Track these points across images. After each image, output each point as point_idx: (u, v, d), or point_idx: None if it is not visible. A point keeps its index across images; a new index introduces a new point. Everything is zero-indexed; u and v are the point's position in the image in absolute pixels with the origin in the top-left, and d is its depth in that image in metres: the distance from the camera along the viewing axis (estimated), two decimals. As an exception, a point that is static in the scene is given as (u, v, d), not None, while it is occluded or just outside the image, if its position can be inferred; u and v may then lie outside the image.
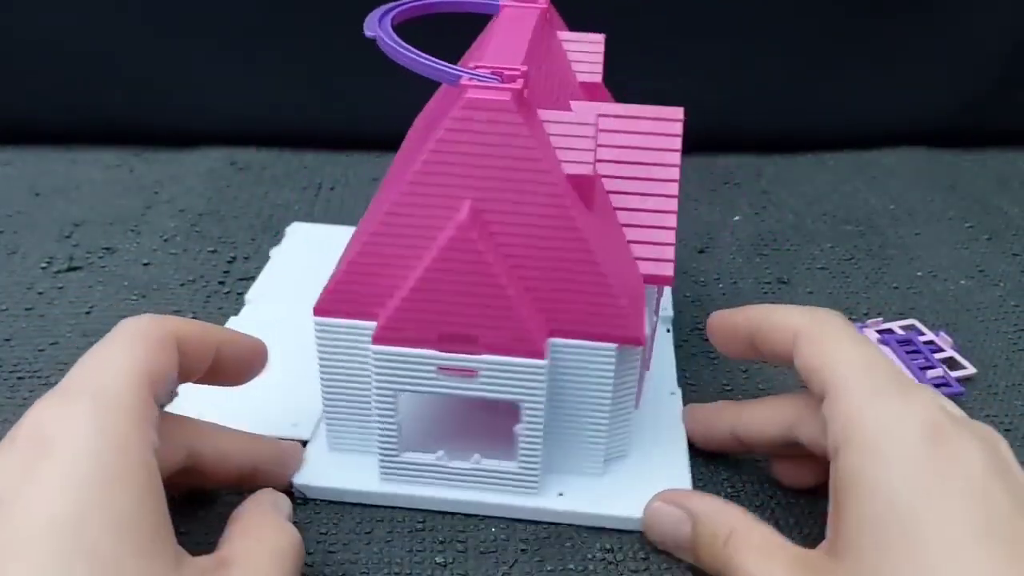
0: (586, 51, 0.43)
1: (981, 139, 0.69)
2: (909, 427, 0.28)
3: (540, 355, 0.32)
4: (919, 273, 0.53)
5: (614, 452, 0.37)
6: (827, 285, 0.52)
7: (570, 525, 0.35)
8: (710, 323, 0.37)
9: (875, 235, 0.57)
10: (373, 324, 0.33)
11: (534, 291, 0.32)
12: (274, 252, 0.51)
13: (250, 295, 0.47)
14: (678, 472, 0.37)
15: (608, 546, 0.35)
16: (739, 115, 0.67)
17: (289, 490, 0.36)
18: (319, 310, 0.33)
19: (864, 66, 0.66)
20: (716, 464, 0.38)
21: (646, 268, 0.35)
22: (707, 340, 0.46)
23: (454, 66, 0.32)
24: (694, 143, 0.65)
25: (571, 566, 0.34)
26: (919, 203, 0.61)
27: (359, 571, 0.33)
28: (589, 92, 0.42)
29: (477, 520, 0.36)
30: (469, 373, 0.33)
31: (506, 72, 0.31)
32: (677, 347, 0.45)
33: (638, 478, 0.36)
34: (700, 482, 0.37)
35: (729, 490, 0.37)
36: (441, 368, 0.33)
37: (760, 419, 0.35)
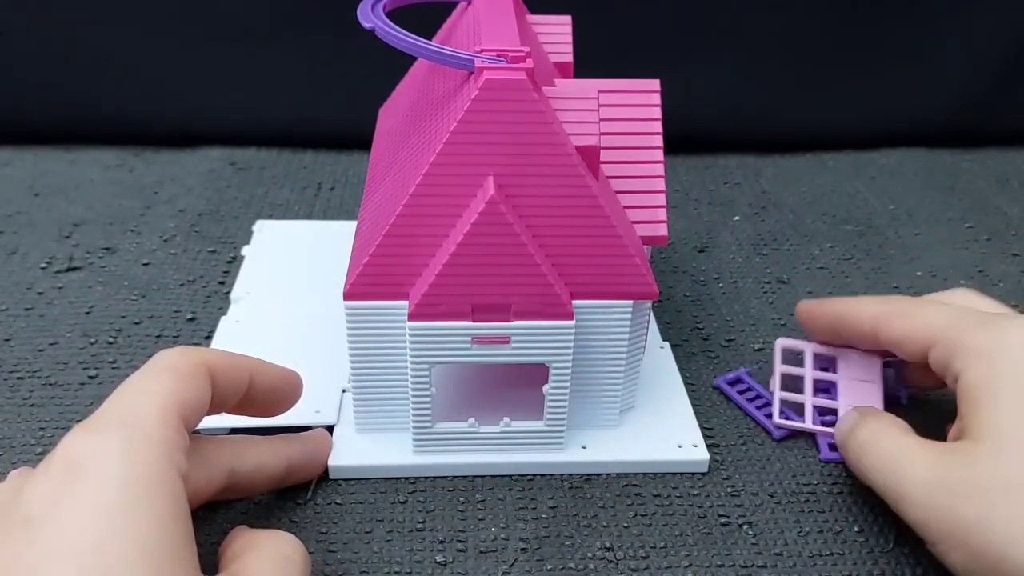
0: (555, 32, 0.46)
1: (981, 139, 0.69)
2: (1018, 340, 0.33)
3: (570, 316, 0.34)
4: (919, 273, 0.53)
5: (626, 403, 0.40)
6: (827, 285, 0.52)
7: (569, 524, 0.35)
8: (799, 311, 0.43)
9: (875, 235, 0.57)
10: (403, 303, 0.34)
11: (555, 257, 0.34)
12: (246, 250, 0.51)
13: (235, 294, 0.48)
14: (684, 415, 0.40)
15: (608, 544, 0.35)
16: (739, 115, 0.67)
17: (325, 475, 0.37)
18: (349, 295, 0.35)
19: (864, 66, 0.66)
20: (714, 468, 0.39)
21: (643, 230, 0.37)
22: (707, 340, 0.47)
23: (463, 51, 0.33)
24: (694, 143, 0.66)
25: (571, 565, 0.34)
26: (919, 203, 0.61)
27: (359, 571, 0.33)
28: (562, 71, 0.44)
29: (477, 520, 0.36)
30: (503, 340, 0.34)
31: (511, 54, 0.33)
32: (676, 346, 0.45)
33: (651, 425, 0.40)
34: (700, 481, 0.38)
35: (729, 489, 0.37)
36: (476, 338, 0.35)
37: (849, 313, 0.40)
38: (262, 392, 0.33)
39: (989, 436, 0.31)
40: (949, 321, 0.35)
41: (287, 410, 0.35)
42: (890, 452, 0.34)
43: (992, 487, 0.30)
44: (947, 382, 0.35)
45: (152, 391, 0.29)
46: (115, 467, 0.26)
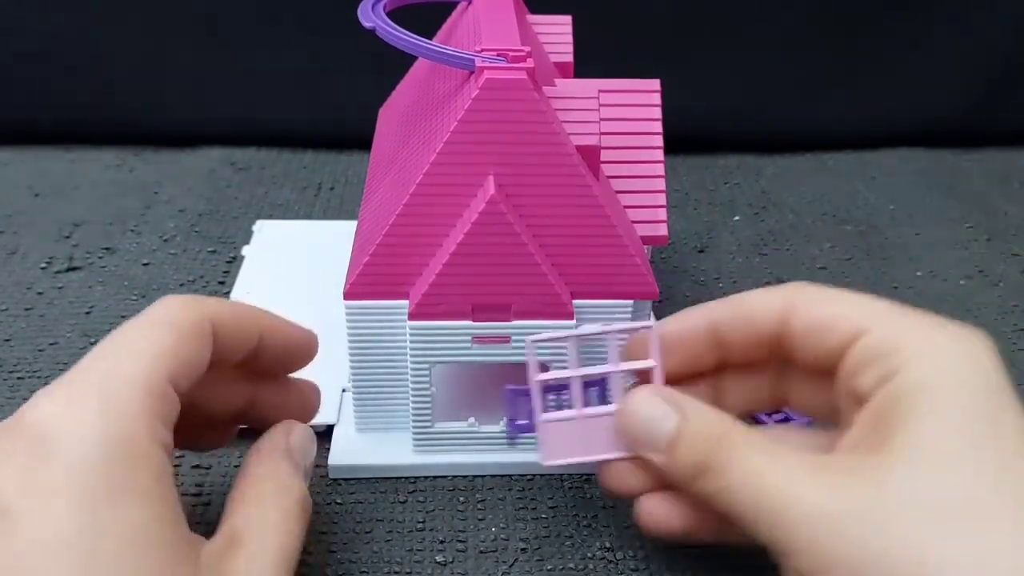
0: (555, 32, 0.46)
1: (981, 139, 0.69)
2: (982, 358, 0.27)
3: (570, 316, 0.35)
4: (919, 273, 0.53)
5: None
6: (827, 285, 0.52)
7: (569, 524, 0.35)
8: (668, 337, 0.32)
9: (875, 235, 0.57)
10: (403, 303, 0.34)
11: (555, 256, 0.34)
12: (247, 250, 0.51)
13: (235, 294, 0.48)
14: None
15: (608, 545, 0.35)
16: (739, 115, 0.67)
17: (325, 475, 0.37)
18: (350, 294, 0.35)
19: (864, 66, 0.66)
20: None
21: (643, 230, 0.37)
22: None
23: (463, 51, 0.33)
24: (694, 143, 0.66)
25: (571, 565, 0.34)
26: (919, 203, 0.61)
27: (359, 571, 0.33)
28: (562, 71, 0.44)
29: (477, 520, 0.36)
30: (503, 340, 0.34)
31: (511, 54, 0.33)
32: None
33: None
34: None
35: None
36: (476, 338, 0.35)
37: (752, 302, 0.31)
38: (273, 350, 0.31)
39: (921, 449, 0.25)
40: (892, 308, 0.29)
41: (299, 369, 0.34)
42: (756, 476, 0.26)
43: (921, 509, 0.24)
44: (854, 383, 0.28)
45: (142, 351, 0.26)
46: (91, 448, 0.24)
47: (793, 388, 0.32)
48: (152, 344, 0.26)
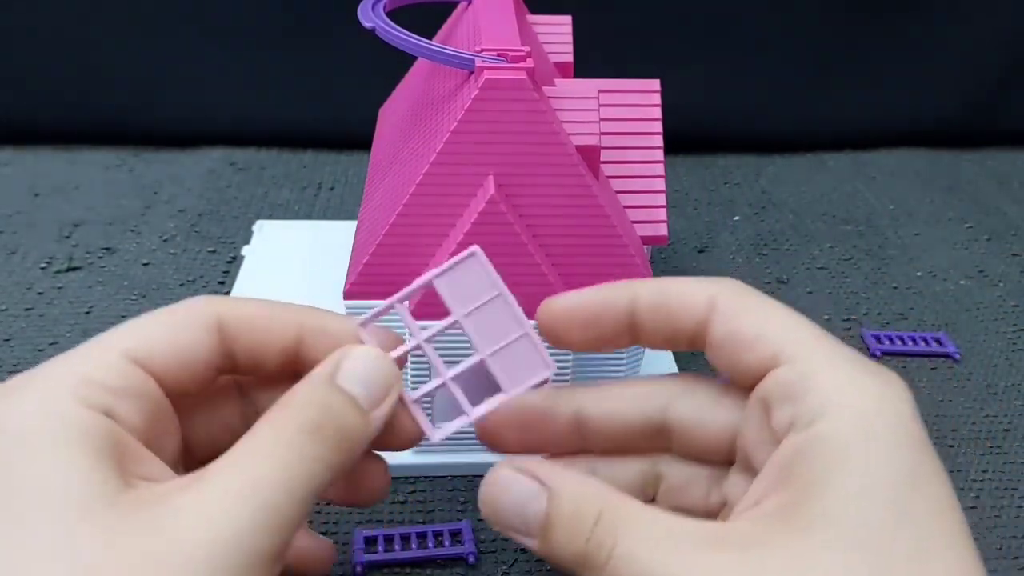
0: (556, 32, 0.46)
1: (981, 139, 0.69)
2: (901, 410, 0.24)
3: None
4: (919, 273, 0.53)
5: None
6: (827, 285, 0.52)
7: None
8: (551, 308, 0.27)
9: (875, 235, 0.57)
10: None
11: (554, 256, 0.34)
12: (246, 250, 0.51)
13: (235, 293, 0.48)
14: None
15: (608, 546, 0.35)
16: (739, 115, 0.67)
17: None
18: (349, 294, 0.35)
19: (864, 66, 0.66)
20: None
21: (643, 230, 0.37)
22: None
23: (463, 51, 0.34)
24: (694, 143, 0.66)
25: (571, 566, 0.34)
26: (919, 203, 0.61)
27: (359, 571, 0.33)
28: (562, 71, 0.44)
29: (477, 520, 0.36)
30: None
31: (511, 54, 0.33)
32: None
33: None
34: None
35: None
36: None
37: (621, 395, 0.28)
38: (321, 350, 0.26)
39: (834, 532, 0.21)
40: (809, 336, 0.25)
41: None
42: (641, 565, 0.22)
43: None
44: (766, 414, 0.25)
45: (104, 334, 0.24)
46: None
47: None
48: (121, 329, 0.25)
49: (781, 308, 0.26)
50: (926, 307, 0.50)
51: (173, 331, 0.25)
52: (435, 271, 0.27)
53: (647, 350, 0.39)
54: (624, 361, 0.37)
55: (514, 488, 0.25)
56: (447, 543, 0.34)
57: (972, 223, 0.59)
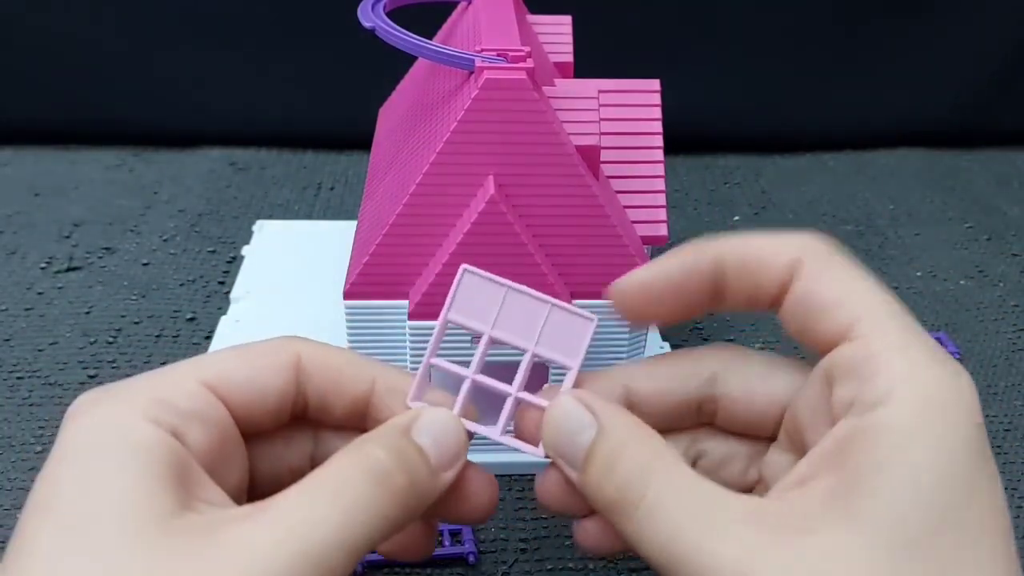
0: (556, 32, 0.46)
1: (981, 139, 0.69)
2: (967, 408, 0.23)
3: None
4: (919, 273, 0.53)
5: None
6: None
7: (569, 524, 0.35)
8: (628, 285, 0.27)
9: (875, 235, 0.57)
10: (403, 303, 0.34)
11: (554, 256, 0.34)
12: (246, 250, 0.52)
13: (235, 294, 0.48)
14: None
15: (608, 546, 0.35)
16: (739, 115, 0.67)
17: None
18: (349, 294, 0.35)
19: (864, 66, 0.66)
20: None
21: (642, 230, 0.37)
22: (706, 340, 0.47)
23: (463, 51, 0.34)
24: (694, 143, 0.66)
25: (571, 565, 0.34)
26: (919, 203, 0.61)
27: (359, 570, 0.33)
28: (562, 71, 0.44)
29: (477, 520, 0.36)
30: (503, 340, 0.34)
31: (511, 54, 0.33)
32: (676, 347, 0.45)
33: None
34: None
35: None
36: (476, 338, 0.34)
37: (669, 370, 0.28)
38: (390, 407, 0.26)
39: (882, 529, 0.21)
40: (886, 311, 0.24)
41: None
42: (673, 526, 0.22)
43: None
44: (828, 387, 0.24)
45: (184, 360, 0.25)
46: (73, 431, 0.22)
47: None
48: (203, 358, 0.26)
49: (863, 276, 0.25)
50: (926, 307, 0.50)
51: (251, 363, 0.25)
52: (443, 311, 0.27)
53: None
54: (625, 347, 0.36)
55: (573, 416, 0.25)
56: (447, 543, 0.34)
57: (972, 223, 0.59)
